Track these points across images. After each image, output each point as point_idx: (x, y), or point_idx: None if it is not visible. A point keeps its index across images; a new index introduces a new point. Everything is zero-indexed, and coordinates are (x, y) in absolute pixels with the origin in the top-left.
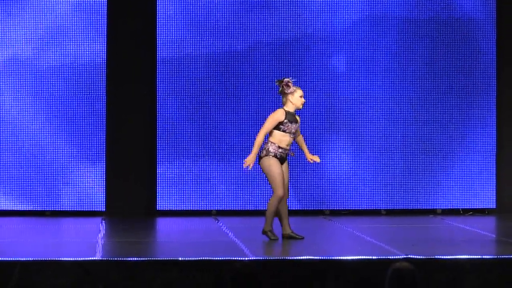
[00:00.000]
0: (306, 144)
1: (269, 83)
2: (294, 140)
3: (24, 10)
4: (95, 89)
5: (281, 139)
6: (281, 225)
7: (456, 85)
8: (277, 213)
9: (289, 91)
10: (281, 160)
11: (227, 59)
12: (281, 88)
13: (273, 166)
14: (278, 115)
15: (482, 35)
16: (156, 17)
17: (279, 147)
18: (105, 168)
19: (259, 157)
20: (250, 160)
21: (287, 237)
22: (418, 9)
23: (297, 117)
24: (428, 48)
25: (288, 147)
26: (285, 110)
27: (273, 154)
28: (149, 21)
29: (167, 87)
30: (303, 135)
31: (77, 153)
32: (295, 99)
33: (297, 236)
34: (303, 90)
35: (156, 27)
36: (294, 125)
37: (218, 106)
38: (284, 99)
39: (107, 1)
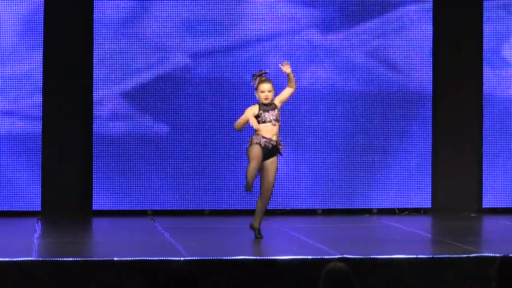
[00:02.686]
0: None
1: (210, 80)
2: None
3: None
4: (31, 86)
5: (263, 129)
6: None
7: (392, 82)
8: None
9: (254, 85)
10: (266, 150)
11: (168, 55)
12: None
13: (251, 151)
14: (248, 109)
15: (419, 36)
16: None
17: (263, 137)
18: (41, 168)
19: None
20: (251, 118)
21: (252, 228)
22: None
23: (276, 103)
24: (364, 43)
25: (273, 137)
26: (259, 104)
27: (256, 142)
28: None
29: (104, 86)
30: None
31: (13, 152)
32: (258, 94)
33: (258, 235)
34: (270, 81)
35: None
36: (272, 112)
37: (155, 104)
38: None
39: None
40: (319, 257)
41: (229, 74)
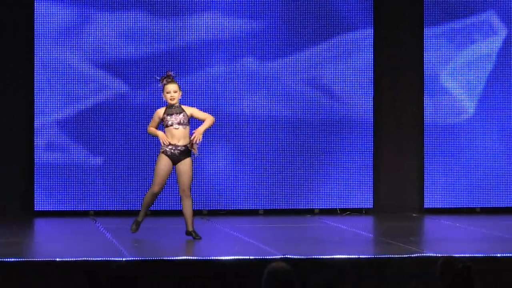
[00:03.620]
0: (208, 126)
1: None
2: (185, 128)
3: None
4: None
5: (169, 134)
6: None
7: (333, 82)
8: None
9: (161, 86)
10: (172, 157)
11: (106, 59)
12: None
13: (157, 162)
14: (155, 113)
15: (359, 32)
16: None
17: (169, 143)
18: None
19: None
20: (162, 138)
21: (187, 234)
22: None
23: (185, 108)
24: (301, 44)
25: (179, 141)
26: (166, 107)
27: (162, 150)
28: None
29: (45, 89)
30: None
31: None
32: (164, 95)
33: (196, 236)
34: (176, 82)
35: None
36: (176, 116)
37: (93, 106)
38: None
39: None
40: (262, 257)
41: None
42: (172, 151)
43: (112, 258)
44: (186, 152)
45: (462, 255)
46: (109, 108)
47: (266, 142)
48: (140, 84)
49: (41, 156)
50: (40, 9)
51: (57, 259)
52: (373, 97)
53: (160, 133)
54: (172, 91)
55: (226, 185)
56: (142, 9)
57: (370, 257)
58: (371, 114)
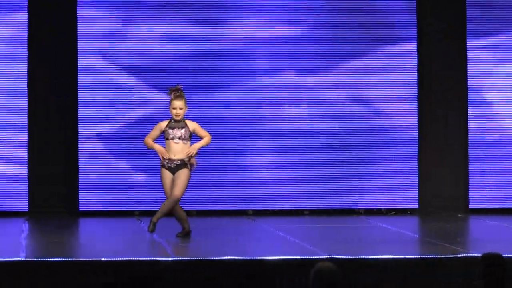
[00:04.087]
0: (204, 144)
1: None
2: (185, 143)
3: None
4: (17, 92)
5: (168, 147)
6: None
7: (379, 83)
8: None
9: (169, 98)
10: (170, 170)
11: (148, 62)
12: None
13: (161, 177)
14: (158, 125)
15: (402, 46)
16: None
17: (168, 158)
18: (28, 169)
19: None
20: (161, 153)
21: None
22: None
23: (188, 123)
24: (347, 47)
25: (175, 156)
26: (170, 119)
27: (161, 164)
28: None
29: (89, 90)
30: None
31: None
32: (170, 109)
33: (150, 226)
34: (183, 97)
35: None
36: (177, 130)
37: (140, 108)
38: None
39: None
40: (307, 257)
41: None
42: (169, 165)
43: (158, 258)
44: (182, 166)
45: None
46: (155, 108)
47: (311, 143)
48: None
49: (86, 156)
50: (83, 27)
51: (103, 259)
52: (417, 111)
53: (157, 147)
54: (178, 108)
55: (271, 185)
56: (187, 25)
57: (415, 258)
58: (416, 112)
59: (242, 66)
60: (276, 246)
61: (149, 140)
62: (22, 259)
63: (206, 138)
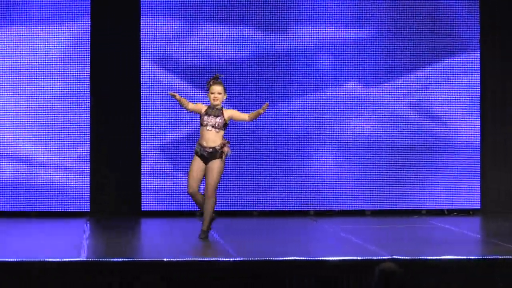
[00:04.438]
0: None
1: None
2: (218, 131)
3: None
4: (79, 91)
5: (201, 133)
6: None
7: (441, 85)
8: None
9: (207, 88)
10: (203, 158)
11: (209, 64)
12: None
13: (191, 165)
14: (200, 106)
15: (466, 36)
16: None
17: (199, 145)
18: (90, 169)
19: None
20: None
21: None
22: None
23: (225, 112)
24: (412, 51)
25: (210, 143)
26: (208, 105)
27: (195, 150)
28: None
29: (151, 91)
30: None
31: (63, 154)
32: (209, 95)
33: (202, 235)
34: (222, 84)
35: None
36: (213, 118)
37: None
38: None
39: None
40: (370, 257)
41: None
42: (202, 151)
43: (220, 259)
44: (214, 154)
45: None
46: None
47: (373, 144)
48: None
49: (149, 156)
50: (145, 31)
51: (165, 259)
52: (480, 113)
53: (177, 96)
54: (217, 92)
55: (333, 186)
56: (250, 29)
57: (478, 258)
58: (478, 113)
59: (306, 71)
60: (338, 246)
61: (180, 97)
62: (84, 259)
63: (247, 115)
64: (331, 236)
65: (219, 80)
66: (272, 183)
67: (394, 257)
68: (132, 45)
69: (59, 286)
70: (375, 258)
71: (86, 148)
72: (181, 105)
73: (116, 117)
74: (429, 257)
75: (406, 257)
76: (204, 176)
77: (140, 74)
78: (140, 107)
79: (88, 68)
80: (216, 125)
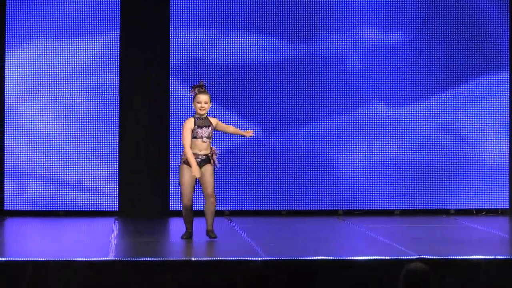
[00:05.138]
0: (240, 129)
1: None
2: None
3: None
4: (108, 88)
5: (194, 144)
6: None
7: (470, 85)
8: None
9: (192, 95)
10: (199, 164)
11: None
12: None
13: (181, 175)
14: (187, 124)
15: (496, 38)
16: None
17: (193, 154)
18: (118, 168)
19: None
20: (195, 171)
21: (207, 235)
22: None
23: (211, 120)
24: (442, 50)
25: (202, 151)
26: (194, 117)
27: (183, 160)
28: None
29: (180, 88)
30: (233, 125)
31: (90, 153)
32: (194, 104)
33: (212, 235)
34: (208, 93)
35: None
36: (205, 129)
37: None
38: None
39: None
40: (398, 257)
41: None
42: (196, 158)
43: (248, 258)
44: (206, 160)
45: None
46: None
47: (402, 143)
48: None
49: (175, 155)
50: (174, 41)
51: (193, 259)
52: (509, 110)
53: (194, 165)
54: (203, 102)
55: (361, 185)
56: (277, 40)
57: (506, 258)
58: (507, 113)
59: (341, 65)
60: (366, 246)
61: (190, 152)
62: (112, 259)
63: (231, 127)
64: (359, 236)
65: (203, 88)
66: (301, 182)
67: (422, 256)
68: (161, 55)
69: (87, 285)
70: (403, 257)
71: (114, 148)
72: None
73: (145, 125)
74: (457, 257)
75: (434, 257)
76: (199, 181)
77: (170, 86)
78: (169, 116)
79: (117, 78)
80: (209, 136)
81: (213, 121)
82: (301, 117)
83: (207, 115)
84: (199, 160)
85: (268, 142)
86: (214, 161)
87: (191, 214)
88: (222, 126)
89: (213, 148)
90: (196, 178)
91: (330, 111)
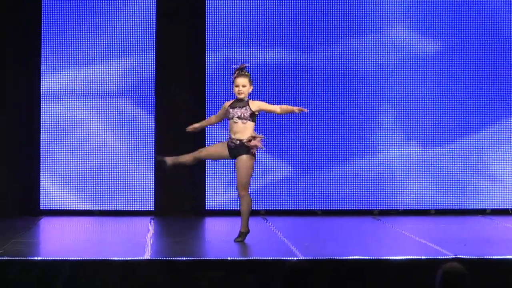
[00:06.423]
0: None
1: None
2: (243, 123)
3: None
4: (145, 86)
5: (229, 127)
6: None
7: (509, 83)
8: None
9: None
10: (230, 149)
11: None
12: None
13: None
14: (223, 106)
15: None
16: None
17: (229, 136)
18: (154, 167)
19: None
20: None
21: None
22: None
23: (251, 103)
24: (470, 47)
25: (237, 135)
26: (234, 99)
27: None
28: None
29: (216, 88)
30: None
31: (125, 151)
32: (233, 88)
33: (238, 238)
34: (247, 76)
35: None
36: (238, 110)
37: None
38: None
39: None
40: (433, 257)
41: None
42: (229, 142)
43: (283, 258)
44: (242, 147)
45: None
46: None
47: (440, 142)
48: None
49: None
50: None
51: (229, 258)
52: None
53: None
54: (241, 85)
55: (396, 184)
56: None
57: None
58: None
59: (363, 60)
60: (401, 246)
61: (203, 122)
62: (148, 258)
63: (278, 107)
64: (395, 236)
65: (244, 71)
66: (335, 181)
67: (458, 256)
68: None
69: (122, 285)
70: (439, 257)
71: (150, 147)
72: (206, 126)
73: (180, 111)
74: (493, 257)
75: (470, 257)
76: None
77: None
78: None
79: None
80: (242, 116)
81: (254, 104)
82: (336, 114)
83: (248, 98)
84: (233, 145)
85: (303, 141)
86: (251, 148)
87: (181, 162)
88: (267, 107)
89: (254, 133)
90: (226, 155)
91: (366, 107)
